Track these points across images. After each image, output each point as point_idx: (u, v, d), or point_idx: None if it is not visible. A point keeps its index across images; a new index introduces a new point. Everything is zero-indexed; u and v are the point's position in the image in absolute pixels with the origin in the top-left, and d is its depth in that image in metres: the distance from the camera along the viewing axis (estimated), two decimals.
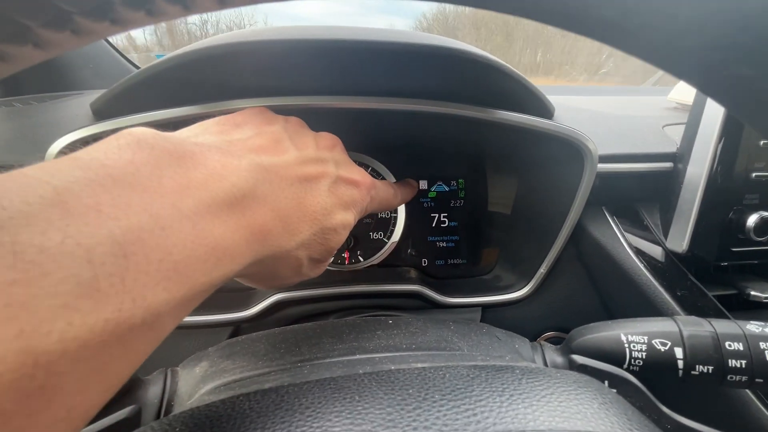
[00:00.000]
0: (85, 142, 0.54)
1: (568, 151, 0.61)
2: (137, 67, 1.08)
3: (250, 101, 0.58)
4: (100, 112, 0.64)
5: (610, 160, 0.65)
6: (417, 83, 0.60)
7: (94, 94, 0.64)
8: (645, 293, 0.62)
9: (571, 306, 0.73)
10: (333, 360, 0.36)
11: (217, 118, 0.38)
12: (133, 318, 0.19)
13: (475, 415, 0.23)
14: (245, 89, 0.59)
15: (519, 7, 0.18)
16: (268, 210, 0.30)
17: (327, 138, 0.47)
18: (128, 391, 0.37)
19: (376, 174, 0.84)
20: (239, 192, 0.27)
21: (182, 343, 0.68)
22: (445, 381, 0.27)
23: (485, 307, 0.74)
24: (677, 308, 0.59)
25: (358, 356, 0.37)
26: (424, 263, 0.87)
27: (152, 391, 0.38)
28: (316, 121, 0.68)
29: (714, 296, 0.62)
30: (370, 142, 0.82)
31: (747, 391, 0.56)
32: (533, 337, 0.77)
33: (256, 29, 0.57)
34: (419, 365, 0.30)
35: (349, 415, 0.23)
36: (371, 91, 0.60)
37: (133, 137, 0.25)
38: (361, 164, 0.83)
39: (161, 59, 0.56)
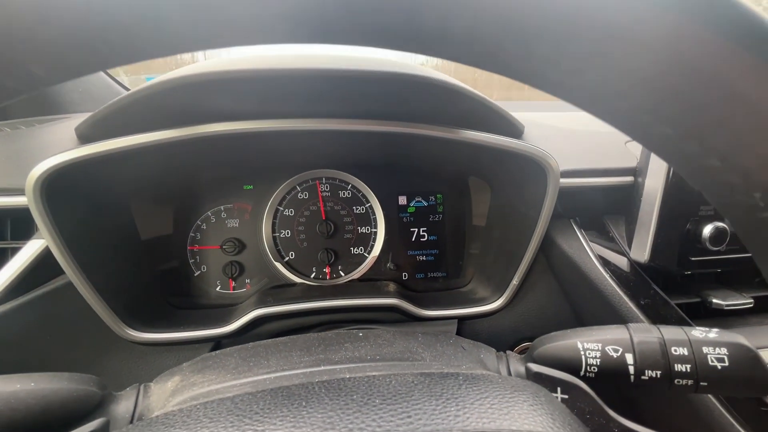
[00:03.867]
0: (68, 165, 0.55)
1: (533, 167, 0.63)
2: (127, 89, 1.10)
3: (229, 124, 0.60)
4: (85, 136, 0.65)
5: (575, 175, 0.68)
6: (388, 107, 0.63)
7: (81, 117, 0.66)
8: (611, 302, 0.63)
9: (544, 316, 0.75)
10: (296, 372, 0.37)
11: None
12: None
13: (408, 416, 0.25)
14: (224, 114, 0.61)
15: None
16: None
17: None
18: (99, 406, 0.38)
19: (356, 190, 0.86)
20: None
21: (163, 359, 0.68)
22: (389, 387, 0.28)
23: (462, 319, 0.75)
24: (641, 316, 0.61)
25: (321, 367, 0.38)
26: (405, 277, 0.88)
27: (124, 406, 0.39)
28: (298, 142, 0.70)
29: (678, 304, 0.64)
30: (350, 161, 0.84)
31: (710, 397, 0.57)
32: (509, 348, 0.78)
33: (236, 58, 0.59)
34: (372, 373, 0.32)
35: (292, 419, 0.25)
36: (345, 114, 0.63)
37: None
38: (341, 182, 0.86)
39: (144, 85, 0.58)
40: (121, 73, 1.24)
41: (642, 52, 0.18)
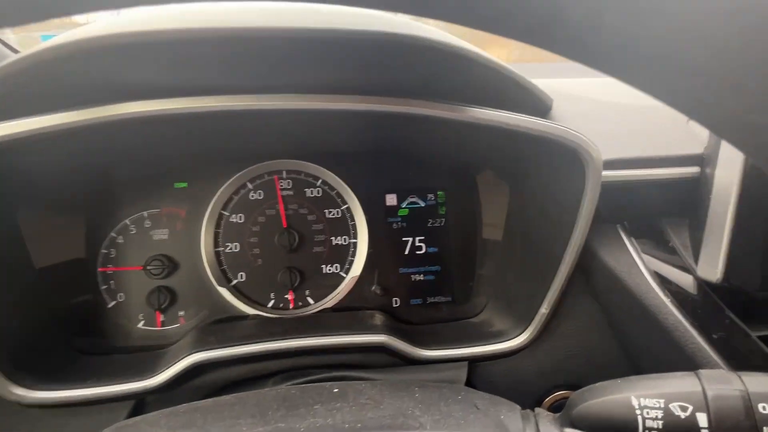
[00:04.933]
0: None
1: (566, 157, 0.62)
2: (14, 51, 1.07)
3: (155, 103, 0.58)
4: None
5: (621, 166, 0.67)
6: (372, 77, 0.61)
7: None
8: (672, 336, 0.63)
9: (583, 356, 0.74)
10: None
11: None
12: None
13: None
14: (149, 89, 0.58)
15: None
16: None
17: None
18: None
19: (329, 188, 0.85)
20: None
21: (67, 426, 0.66)
22: None
23: (473, 360, 0.74)
24: (714, 356, 0.61)
25: None
26: (396, 303, 0.87)
27: None
28: (250, 124, 0.68)
29: (762, 337, 0.63)
30: (320, 148, 0.83)
31: None
32: (537, 400, 0.78)
33: (164, 12, 0.57)
34: None
35: None
36: (315, 87, 0.61)
37: None
38: (308, 176, 0.84)
39: (38, 48, 0.56)
40: (7, 29, 1.20)
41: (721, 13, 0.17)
